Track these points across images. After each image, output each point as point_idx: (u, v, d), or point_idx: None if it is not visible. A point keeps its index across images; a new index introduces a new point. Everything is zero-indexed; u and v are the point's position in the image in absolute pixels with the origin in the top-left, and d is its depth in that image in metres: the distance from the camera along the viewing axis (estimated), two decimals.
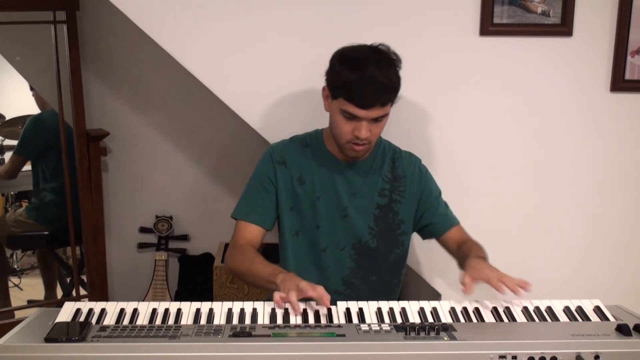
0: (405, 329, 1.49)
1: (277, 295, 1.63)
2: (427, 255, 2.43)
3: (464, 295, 1.67)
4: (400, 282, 2.13)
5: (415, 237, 2.15)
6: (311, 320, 1.59)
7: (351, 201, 1.99)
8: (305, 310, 1.63)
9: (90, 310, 1.60)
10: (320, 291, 1.63)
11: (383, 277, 2.04)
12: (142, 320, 1.58)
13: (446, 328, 1.51)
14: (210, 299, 2.30)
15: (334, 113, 1.88)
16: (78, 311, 1.60)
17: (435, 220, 2.04)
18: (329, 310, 1.62)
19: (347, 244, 2.01)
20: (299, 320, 1.58)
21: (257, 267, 1.84)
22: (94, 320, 1.56)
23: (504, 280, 1.68)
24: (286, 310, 1.62)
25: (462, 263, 1.90)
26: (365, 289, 2.02)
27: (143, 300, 1.68)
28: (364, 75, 1.77)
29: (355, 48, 1.87)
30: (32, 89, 3.65)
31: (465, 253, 1.90)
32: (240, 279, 1.98)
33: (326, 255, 2.00)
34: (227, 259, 1.97)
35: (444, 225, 2.04)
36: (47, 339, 1.42)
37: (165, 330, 1.47)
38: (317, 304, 1.64)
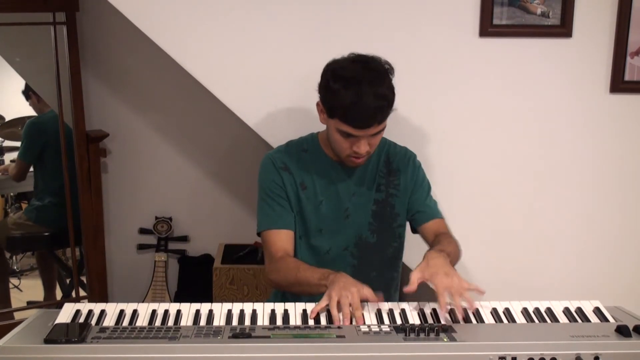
0: (404, 330, 1.49)
1: (336, 319, 1.59)
2: None
3: (407, 292, 1.64)
4: (399, 275, 2.13)
5: (414, 238, 2.15)
6: (311, 321, 1.59)
7: (351, 201, 2.01)
8: (304, 311, 1.63)
9: (90, 312, 1.60)
10: (366, 298, 1.63)
11: (382, 272, 2.05)
12: (142, 321, 1.58)
13: (446, 329, 1.51)
14: (210, 300, 2.31)
15: (331, 130, 1.89)
16: (78, 312, 1.60)
17: (420, 209, 2.04)
18: (329, 311, 1.62)
19: (349, 243, 2.02)
20: (299, 322, 1.59)
21: (305, 273, 1.82)
22: (93, 322, 1.56)
23: (453, 295, 1.62)
24: (286, 311, 1.62)
25: None
26: (366, 285, 2.02)
27: (142, 302, 1.67)
28: (359, 97, 1.75)
29: (346, 66, 1.84)
30: (28, 97, 3.66)
31: (434, 244, 1.90)
32: (287, 290, 1.96)
33: (329, 256, 2.00)
34: (269, 273, 1.94)
35: (427, 216, 2.04)
36: (47, 340, 1.42)
37: (164, 332, 1.47)
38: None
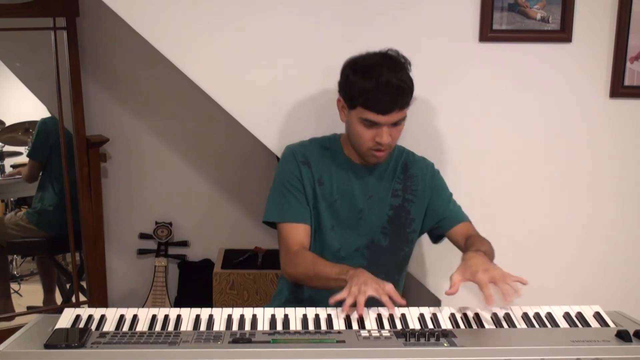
0: (405, 335, 1.48)
1: (346, 307, 1.62)
2: (427, 262, 2.43)
3: (449, 295, 1.63)
4: (403, 279, 2.14)
5: (416, 243, 2.15)
6: (311, 326, 1.59)
7: (367, 204, 2.02)
8: (305, 316, 1.63)
9: (90, 317, 1.60)
10: (389, 294, 1.65)
11: (390, 275, 2.05)
12: (142, 326, 1.58)
13: (446, 334, 1.51)
14: (210, 305, 2.31)
15: (352, 123, 1.90)
16: (78, 317, 1.59)
17: (445, 215, 2.06)
18: (329, 315, 1.62)
19: (361, 244, 2.03)
20: (299, 327, 1.58)
21: (323, 268, 1.84)
22: (93, 327, 1.56)
23: (497, 282, 1.62)
24: (286, 316, 1.62)
25: None
26: None
27: (142, 307, 1.67)
28: (380, 81, 1.79)
29: (365, 57, 1.89)
30: None
31: (467, 248, 1.90)
32: (304, 284, 1.99)
33: (340, 255, 2.01)
34: (285, 266, 1.96)
35: (453, 220, 2.05)
36: (47, 345, 1.42)
37: (165, 337, 1.47)
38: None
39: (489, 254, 1.86)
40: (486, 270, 1.66)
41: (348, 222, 2.02)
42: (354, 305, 1.61)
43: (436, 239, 2.12)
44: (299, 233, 1.97)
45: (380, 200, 2.03)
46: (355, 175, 2.02)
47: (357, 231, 2.02)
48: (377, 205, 2.03)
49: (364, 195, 2.02)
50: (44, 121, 3.59)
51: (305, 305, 1.68)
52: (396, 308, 1.67)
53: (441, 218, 2.06)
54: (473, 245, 1.88)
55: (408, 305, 1.70)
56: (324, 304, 1.67)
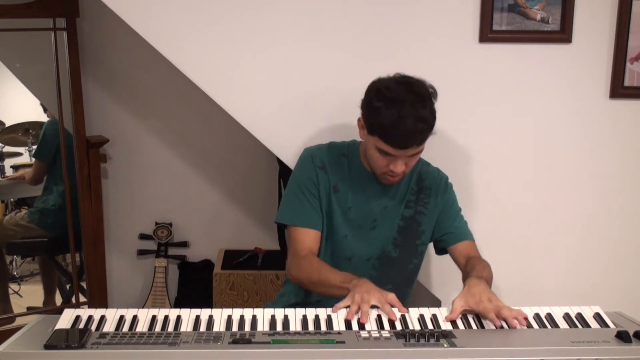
0: (405, 335, 1.48)
1: (351, 314, 1.63)
2: (426, 263, 2.43)
3: (448, 320, 1.64)
4: (412, 291, 2.14)
5: (434, 258, 2.14)
6: (311, 327, 1.59)
7: (381, 214, 2.02)
8: (304, 317, 1.63)
9: (90, 317, 1.60)
10: (391, 303, 1.67)
11: (399, 286, 2.05)
12: (142, 327, 1.58)
13: (446, 335, 1.51)
14: (210, 306, 2.31)
15: (369, 147, 1.90)
16: (77, 318, 1.59)
17: (450, 230, 2.05)
18: (329, 316, 1.62)
19: (372, 254, 2.03)
20: (299, 327, 1.58)
21: (327, 275, 1.85)
22: (93, 327, 1.56)
23: (501, 312, 1.62)
24: (286, 317, 1.62)
25: (464, 280, 1.88)
26: None
27: (142, 307, 1.67)
28: (400, 118, 1.77)
29: (390, 86, 1.83)
30: (45, 110, 3.66)
31: (468, 270, 1.89)
32: (307, 288, 1.99)
33: (350, 264, 2.01)
34: (290, 269, 1.97)
35: (457, 237, 2.05)
36: (47, 346, 1.42)
37: (164, 337, 1.47)
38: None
39: (489, 282, 1.86)
40: (490, 300, 1.66)
41: (361, 231, 2.02)
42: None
43: (440, 252, 2.12)
44: (309, 238, 1.97)
45: (393, 210, 2.03)
46: (370, 185, 2.01)
47: (369, 241, 2.02)
48: (390, 215, 2.03)
49: (379, 205, 2.02)
50: (51, 122, 3.59)
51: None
52: (396, 309, 1.67)
53: (445, 232, 2.06)
54: (474, 269, 1.87)
55: (408, 305, 1.70)
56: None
